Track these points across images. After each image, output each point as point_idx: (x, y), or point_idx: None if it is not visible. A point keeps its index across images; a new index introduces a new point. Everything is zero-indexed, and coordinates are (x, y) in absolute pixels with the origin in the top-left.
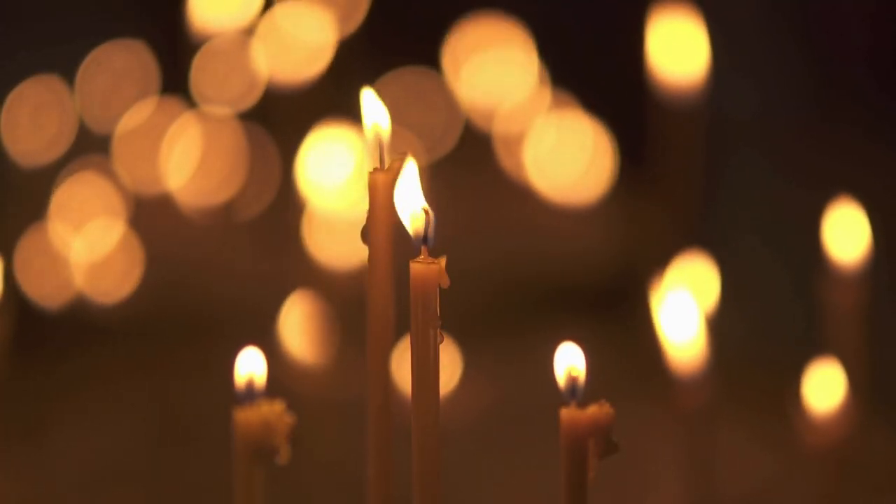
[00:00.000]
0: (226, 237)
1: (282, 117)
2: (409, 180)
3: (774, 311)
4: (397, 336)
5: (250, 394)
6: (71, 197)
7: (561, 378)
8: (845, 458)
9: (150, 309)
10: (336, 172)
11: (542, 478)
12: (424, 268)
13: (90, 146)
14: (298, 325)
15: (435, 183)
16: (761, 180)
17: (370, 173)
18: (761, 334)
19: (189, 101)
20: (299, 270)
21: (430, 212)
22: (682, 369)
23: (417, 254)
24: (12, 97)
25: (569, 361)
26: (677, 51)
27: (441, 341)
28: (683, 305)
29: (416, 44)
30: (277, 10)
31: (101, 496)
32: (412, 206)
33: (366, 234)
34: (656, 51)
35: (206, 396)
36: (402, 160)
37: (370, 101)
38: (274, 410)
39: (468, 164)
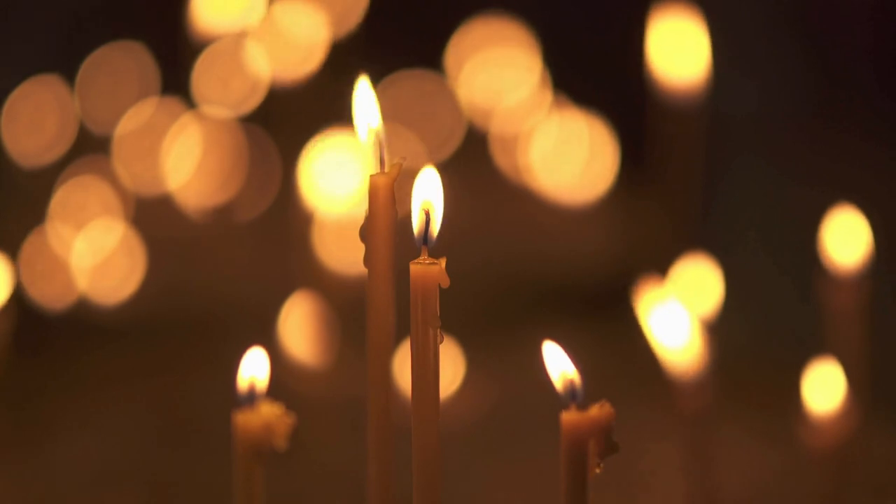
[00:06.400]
0: (226, 238)
1: (282, 118)
2: (428, 183)
3: (774, 312)
4: (397, 336)
5: (251, 396)
6: (72, 198)
7: (556, 381)
8: (845, 458)
9: (151, 310)
10: (336, 174)
11: (543, 478)
12: (424, 268)
13: (90, 147)
14: (299, 325)
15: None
16: (761, 181)
17: (371, 176)
18: (761, 334)
19: (189, 102)
20: (300, 271)
21: (431, 213)
22: (681, 371)
23: (418, 254)
24: (12, 97)
25: (559, 365)
26: (678, 51)
27: (441, 341)
28: (673, 313)
29: (418, 45)
30: (277, 11)
31: (103, 497)
32: (423, 201)
33: (364, 233)
34: (657, 51)
35: (208, 397)
36: (401, 163)
37: (363, 94)
38: (274, 412)
39: (469, 164)
